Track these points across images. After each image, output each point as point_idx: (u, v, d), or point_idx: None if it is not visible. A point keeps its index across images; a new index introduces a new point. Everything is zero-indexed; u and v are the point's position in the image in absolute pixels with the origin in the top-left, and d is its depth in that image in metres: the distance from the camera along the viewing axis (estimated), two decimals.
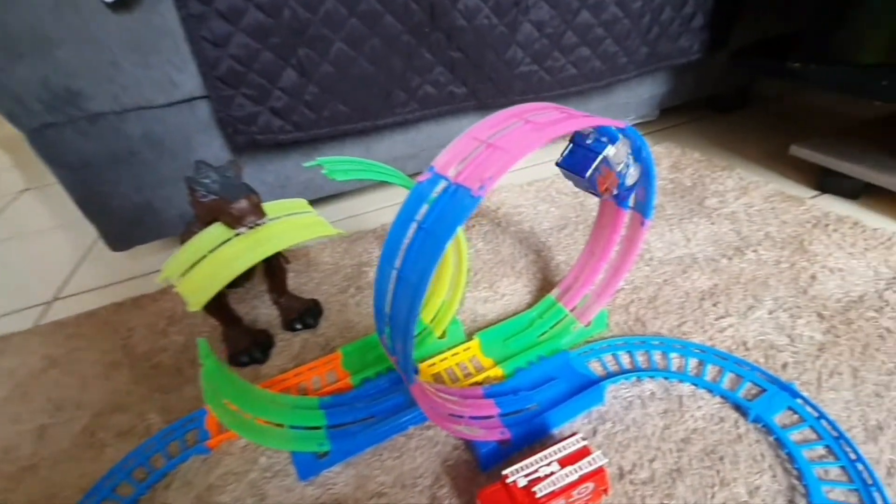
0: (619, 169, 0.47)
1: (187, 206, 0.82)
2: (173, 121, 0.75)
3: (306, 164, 0.48)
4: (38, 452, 0.57)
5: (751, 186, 0.83)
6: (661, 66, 0.90)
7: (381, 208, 0.98)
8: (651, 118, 1.12)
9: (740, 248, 0.70)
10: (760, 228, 0.73)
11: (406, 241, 0.37)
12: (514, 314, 0.65)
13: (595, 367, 0.55)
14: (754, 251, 0.69)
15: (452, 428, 0.44)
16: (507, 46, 0.78)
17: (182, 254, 0.47)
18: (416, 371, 0.40)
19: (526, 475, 0.41)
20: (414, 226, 0.37)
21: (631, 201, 0.54)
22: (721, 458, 0.45)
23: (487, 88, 0.81)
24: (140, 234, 0.83)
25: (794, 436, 0.45)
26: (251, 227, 0.47)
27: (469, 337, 0.62)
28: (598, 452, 0.42)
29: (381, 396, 0.55)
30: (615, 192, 0.49)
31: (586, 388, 0.52)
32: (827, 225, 0.71)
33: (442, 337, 0.61)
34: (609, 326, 0.61)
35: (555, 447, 0.43)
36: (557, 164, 0.49)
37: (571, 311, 0.61)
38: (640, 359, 0.56)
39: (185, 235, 0.61)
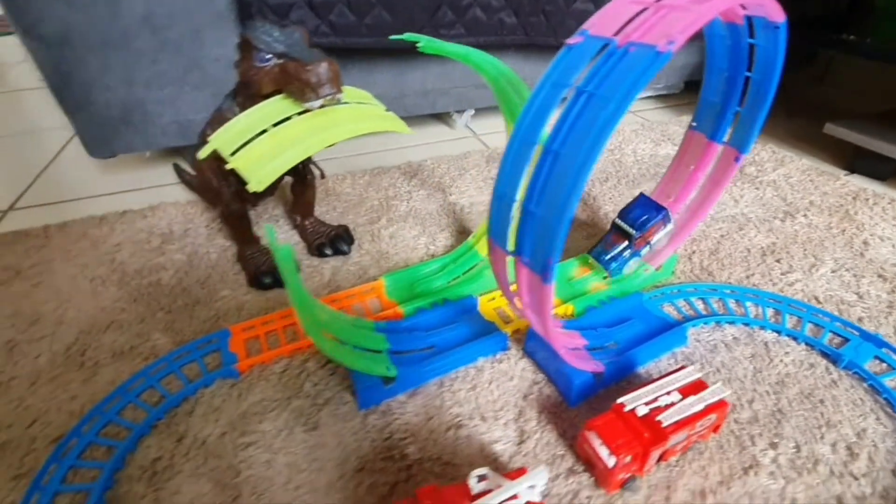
0: (653, 240, 0.53)
1: (187, 114, 0.71)
2: (182, 6, 0.64)
3: (393, 37, 0.41)
4: (7, 370, 0.46)
5: (786, 159, 0.83)
6: None
7: (405, 147, 0.90)
8: (676, 90, 1.11)
9: (789, 213, 0.69)
10: (804, 197, 0.73)
11: (556, 109, 0.31)
12: (572, 256, 0.60)
13: (669, 311, 0.52)
14: (804, 216, 0.68)
15: (567, 348, 0.38)
16: None
17: (234, 126, 0.38)
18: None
19: (646, 403, 0.36)
20: (568, 92, 0.31)
21: (727, 135, 0.50)
22: (821, 402, 0.42)
23: (539, 24, 0.76)
24: (126, 141, 0.71)
25: (889, 382, 0.44)
26: (327, 101, 0.38)
27: None
28: (719, 384, 0.38)
29: (441, 327, 0.48)
30: (621, 256, 0.54)
31: (664, 329, 0.48)
32: (867, 199, 0.72)
33: None
34: (675, 273, 0.57)
35: (668, 378, 0.38)
36: (642, 193, 0.55)
37: None
38: (716, 305, 0.53)
39: (200, 146, 0.50)
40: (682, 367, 0.39)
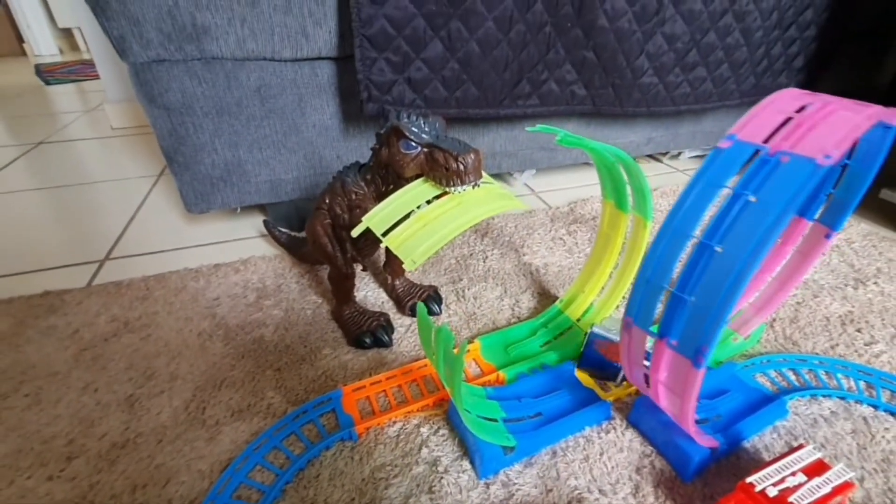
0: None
1: (280, 174, 0.76)
2: (291, 78, 0.69)
3: (531, 129, 0.44)
4: (132, 426, 0.48)
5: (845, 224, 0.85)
6: (759, 98, 0.93)
7: None
8: None
9: (860, 280, 0.70)
10: (870, 263, 0.74)
11: (711, 208, 0.34)
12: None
13: (762, 382, 0.53)
14: (874, 283, 0.69)
15: (697, 429, 0.40)
16: (637, 53, 0.77)
17: (385, 207, 0.42)
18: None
19: (773, 484, 0.37)
20: (724, 193, 0.34)
21: (818, 212, 0.53)
22: None
23: (606, 95, 0.81)
24: (222, 197, 0.75)
25: None
26: (471, 187, 0.42)
27: None
28: (841, 465, 0.39)
29: (545, 394, 0.50)
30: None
31: (762, 401, 0.49)
32: None
33: None
34: (760, 342, 0.59)
35: (790, 457, 0.40)
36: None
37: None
38: (808, 377, 0.54)
39: (317, 220, 0.55)
40: (802, 446, 0.41)
